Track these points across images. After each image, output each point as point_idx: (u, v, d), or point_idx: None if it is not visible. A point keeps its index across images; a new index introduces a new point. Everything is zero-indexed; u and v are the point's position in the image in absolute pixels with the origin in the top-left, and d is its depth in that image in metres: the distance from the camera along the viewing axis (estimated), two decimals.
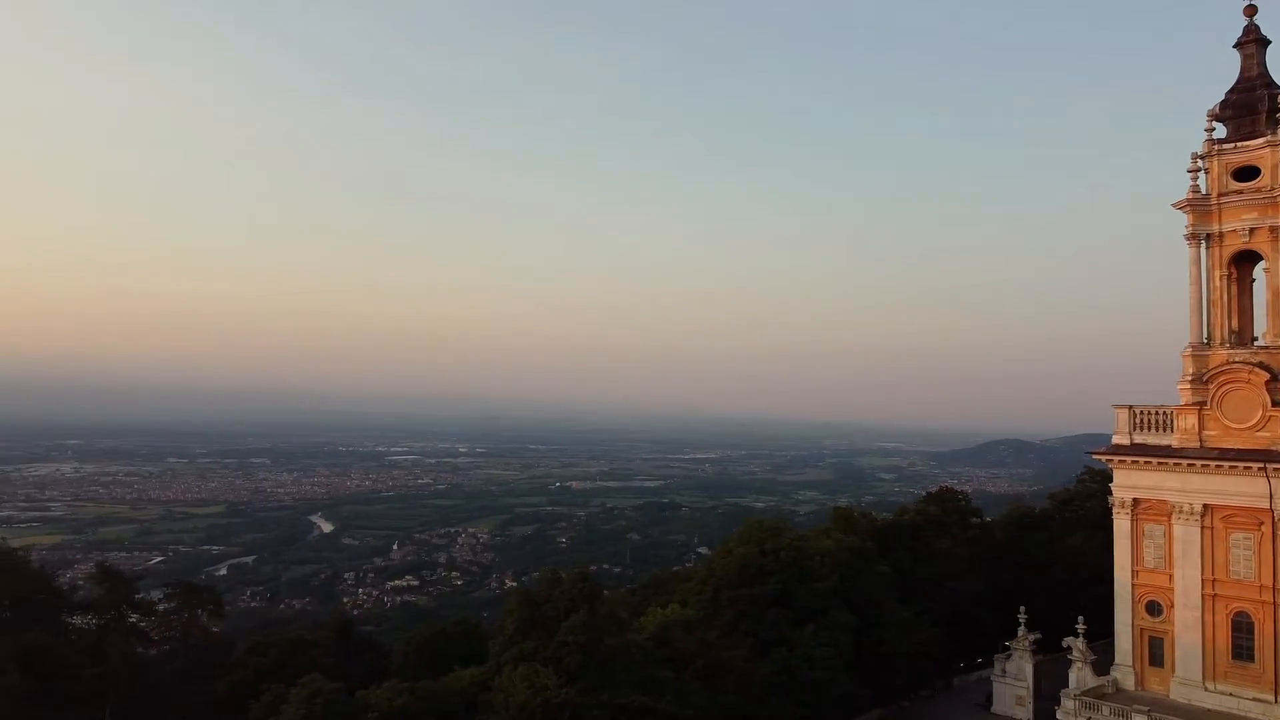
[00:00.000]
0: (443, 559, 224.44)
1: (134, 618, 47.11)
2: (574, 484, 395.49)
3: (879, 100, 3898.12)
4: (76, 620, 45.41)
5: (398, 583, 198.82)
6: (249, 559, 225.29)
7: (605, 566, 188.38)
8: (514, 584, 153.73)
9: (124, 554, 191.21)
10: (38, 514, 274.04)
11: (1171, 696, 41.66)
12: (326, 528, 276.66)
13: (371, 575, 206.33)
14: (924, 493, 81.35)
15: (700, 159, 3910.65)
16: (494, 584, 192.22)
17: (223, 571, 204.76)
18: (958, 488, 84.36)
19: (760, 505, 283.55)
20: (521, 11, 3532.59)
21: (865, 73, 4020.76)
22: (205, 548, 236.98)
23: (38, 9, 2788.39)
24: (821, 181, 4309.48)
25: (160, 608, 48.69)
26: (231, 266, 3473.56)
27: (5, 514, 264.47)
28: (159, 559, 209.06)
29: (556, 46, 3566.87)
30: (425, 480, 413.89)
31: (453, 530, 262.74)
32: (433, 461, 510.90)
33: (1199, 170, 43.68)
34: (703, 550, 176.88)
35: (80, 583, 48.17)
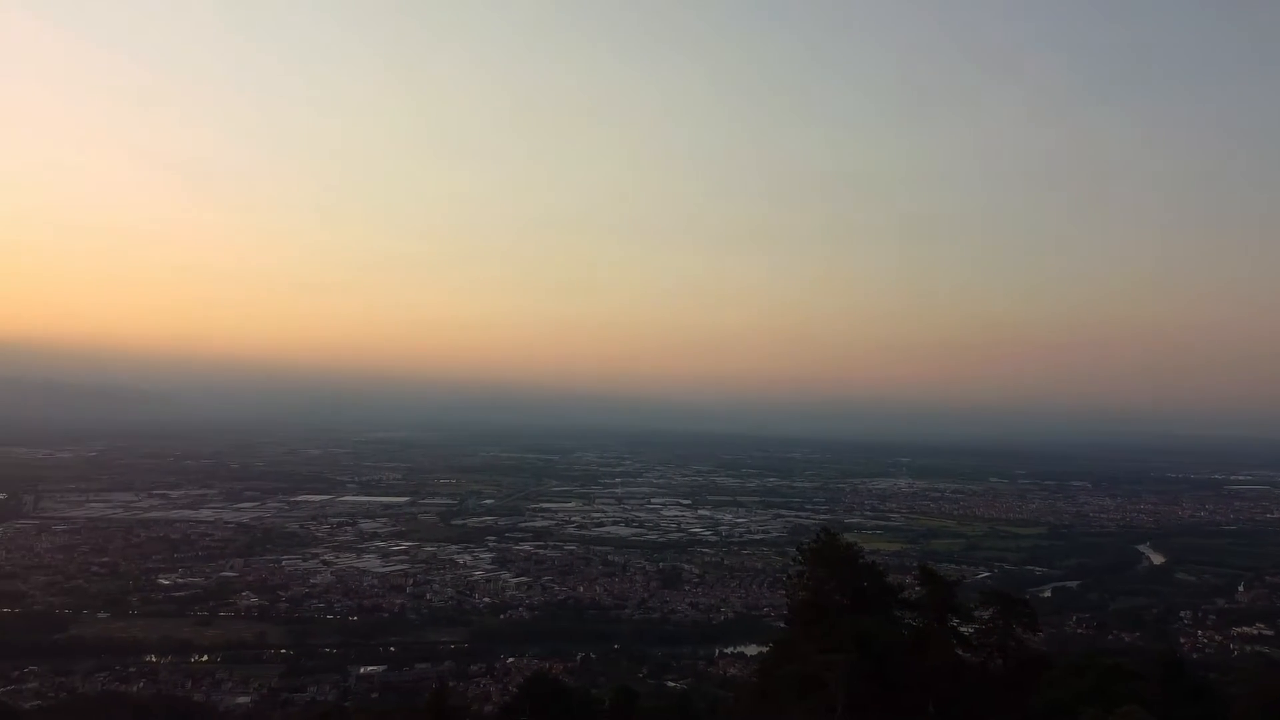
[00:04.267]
0: None
1: (954, 621, 49.42)
2: None
3: None
4: (904, 616, 49.47)
5: (1246, 629, 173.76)
6: (1073, 584, 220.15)
7: None
8: None
9: (953, 565, 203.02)
10: (880, 523, 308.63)
11: None
12: (1156, 559, 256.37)
13: (1213, 617, 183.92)
14: None
15: None
16: None
17: (1046, 594, 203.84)
18: None
19: None
20: None
21: None
22: (1029, 568, 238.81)
23: None
24: None
25: (977, 614, 50.33)
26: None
27: (855, 520, 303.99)
28: (985, 574, 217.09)
29: None
30: (1278, 515, 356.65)
31: None
32: None
33: None
34: None
35: (908, 583, 52.13)
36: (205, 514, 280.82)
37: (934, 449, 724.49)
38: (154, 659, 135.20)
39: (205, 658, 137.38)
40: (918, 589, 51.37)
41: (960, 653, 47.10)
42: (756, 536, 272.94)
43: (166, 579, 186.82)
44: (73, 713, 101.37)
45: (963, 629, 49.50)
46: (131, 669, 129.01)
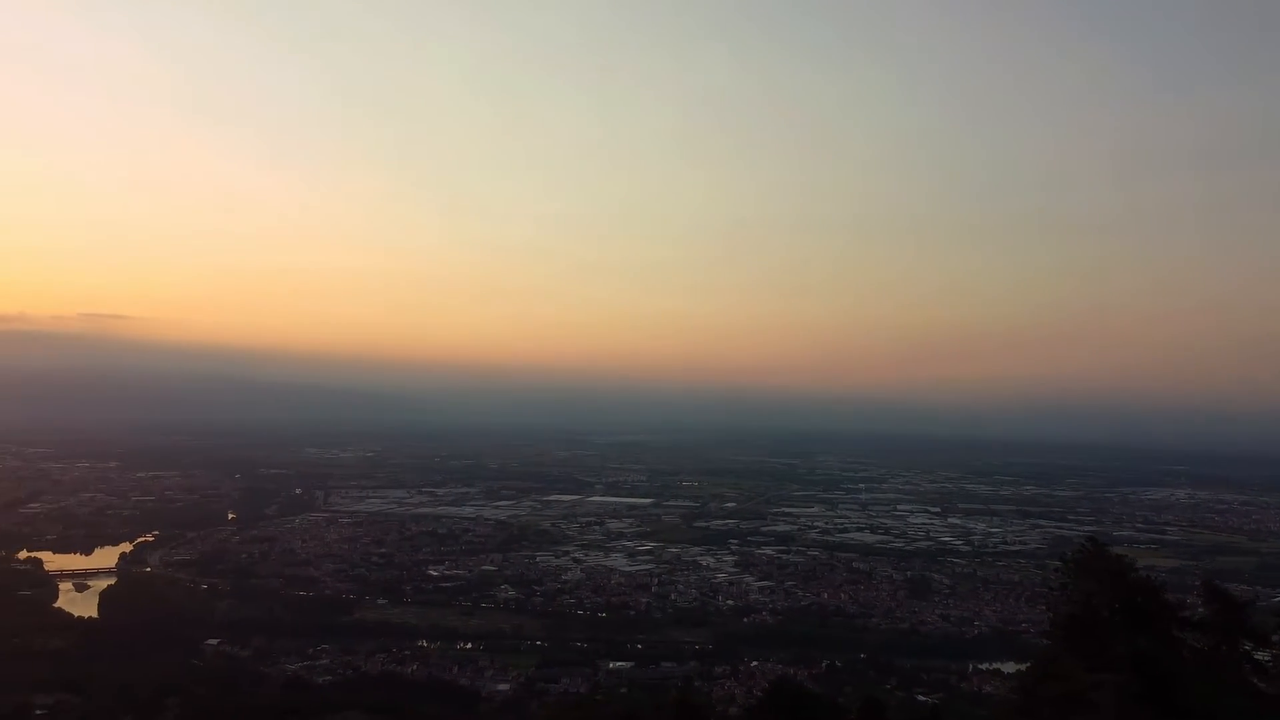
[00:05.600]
0: None
1: (1247, 645, 44.52)
2: None
3: None
4: (1185, 637, 45.06)
5: None
6: None
7: None
8: None
9: (1244, 586, 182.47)
10: (1154, 536, 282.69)
11: None
12: None
13: None
14: None
15: None
16: None
17: None
18: None
19: None
20: None
21: None
22: None
23: None
24: None
25: (1276, 640, 45.08)
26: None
27: (1126, 534, 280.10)
28: None
29: None
30: None
31: None
32: None
33: None
34: None
35: (1189, 602, 47.42)
36: (467, 510, 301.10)
37: (1218, 456, 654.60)
38: (425, 644, 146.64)
39: (469, 645, 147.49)
40: (1200, 609, 46.65)
41: (1255, 681, 42.38)
42: (1013, 547, 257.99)
43: (435, 570, 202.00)
44: (358, 689, 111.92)
45: (1258, 655, 44.52)
46: (406, 652, 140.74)
